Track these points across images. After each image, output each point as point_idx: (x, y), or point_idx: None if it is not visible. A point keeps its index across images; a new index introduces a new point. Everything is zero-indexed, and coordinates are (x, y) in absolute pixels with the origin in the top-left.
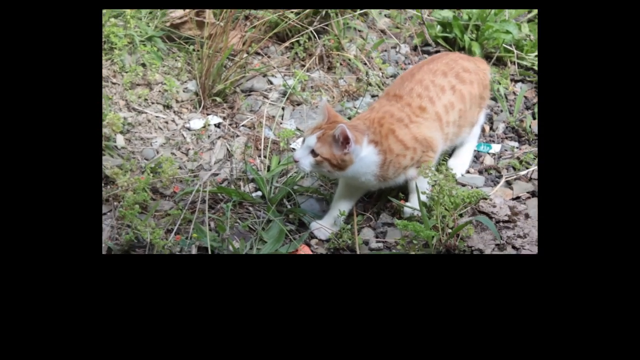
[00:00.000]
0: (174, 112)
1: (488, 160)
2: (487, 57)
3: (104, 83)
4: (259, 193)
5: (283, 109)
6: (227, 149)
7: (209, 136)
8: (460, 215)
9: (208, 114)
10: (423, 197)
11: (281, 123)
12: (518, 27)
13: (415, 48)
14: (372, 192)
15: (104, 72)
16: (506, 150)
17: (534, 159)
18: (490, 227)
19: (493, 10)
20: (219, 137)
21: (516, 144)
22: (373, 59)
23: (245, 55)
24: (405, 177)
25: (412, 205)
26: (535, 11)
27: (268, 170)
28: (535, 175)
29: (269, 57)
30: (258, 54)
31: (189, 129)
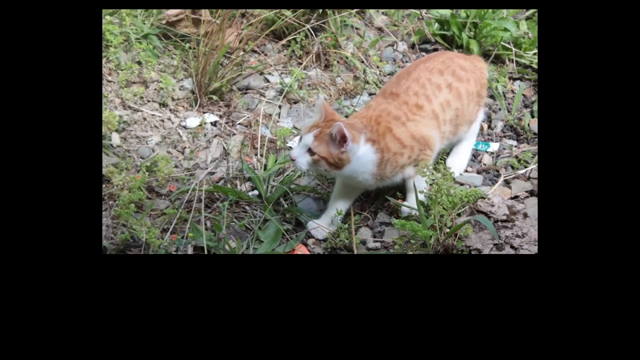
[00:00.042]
0: (170, 110)
1: (486, 159)
2: (485, 54)
3: None
4: (256, 192)
5: (280, 107)
6: (224, 148)
7: (205, 134)
8: (459, 215)
9: (204, 112)
10: (421, 196)
11: (278, 121)
12: (516, 25)
13: (413, 46)
14: (369, 191)
15: None
16: (504, 149)
17: (533, 157)
18: (489, 226)
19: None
20: (215, 136)
21: (514, 143)
22: (370, 56)
23: (241, 53)
24: (403, 175)
25: (409, 204)
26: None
27: (265, 169)
28: (533, 174)
29: (265, 54)
30: (255, 51)
31: (185, 127)
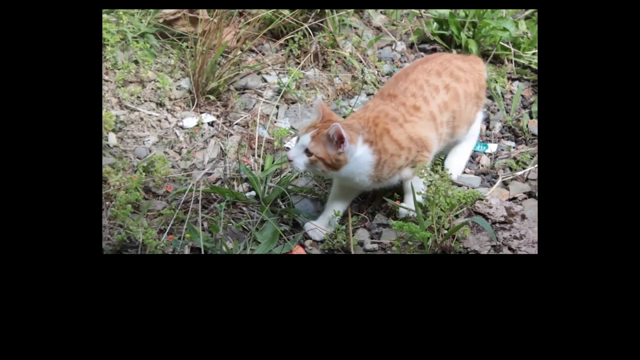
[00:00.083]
0: (167, 110)
1: (484, 161)
2: (484, 55)
3: None
4: (253, 193)
5: (277, 107)
6: (221, 148)
7: (202, 135)
8: (456, 216)
9: (201, 112)
10: (418, 198)
11: (275, 122)
12: (515, 25)
13: (411, 45)
14: (367, 192)
15: None
16: (503, 150)
17: (531, 159)
18: (487, 228)
19: None
20: (212, 136)
21: (513, 144)
22: (368, 56)
23: (239, 52)
24: (400, 177)
25: (407, 205)
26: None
27: (262, 169)
28: (532, 176)
29: (263, 54)
30: (252, 51)
31: (182, 127)
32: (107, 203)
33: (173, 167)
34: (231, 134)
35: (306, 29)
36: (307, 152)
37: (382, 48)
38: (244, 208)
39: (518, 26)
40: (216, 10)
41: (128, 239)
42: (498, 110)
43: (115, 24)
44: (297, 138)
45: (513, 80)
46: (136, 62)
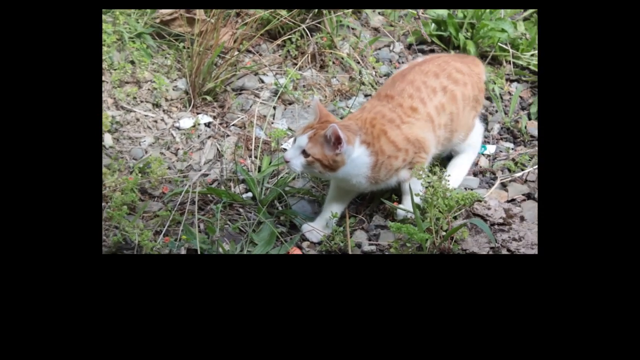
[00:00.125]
0: (163, 110)
1: (483, 162)
2: (482, 56)
3: None
4: (250, 194)
5: (274, 108)
6: (217, 149)
7: (198, 136)
8: (455, 218)
9: (198, 113)
10: (416, 199)
11: (272, 122)
12: (514, 26)
13: (409, 46)
14: (364, 194)
15: None
16: (501, 151)
17: (530, 160)
18: (485, 229)
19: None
20: (209, 137)
21: (511, 145)
22: (366, 57)
23: (236, 53)
24: (398, 179)
25: (405, 207)
26: (531, 9)
27: (259, 170)
28: (530, 177)
29: (260, 55)
30: (249, 51)
31: (178, 128)
32: (102, 204)
33: (169, 168)
34: (228, 135)
35: (304, 29)
36: (304, 153)
37: (379, 49)
38: (241, 209)
39: (516, 27)
40: (213, 10)
41: (124, 241)
42: (496, 111)
43: (112, 24)
44: (294, 139)
45: (511, 81)
46: (132, 62)
